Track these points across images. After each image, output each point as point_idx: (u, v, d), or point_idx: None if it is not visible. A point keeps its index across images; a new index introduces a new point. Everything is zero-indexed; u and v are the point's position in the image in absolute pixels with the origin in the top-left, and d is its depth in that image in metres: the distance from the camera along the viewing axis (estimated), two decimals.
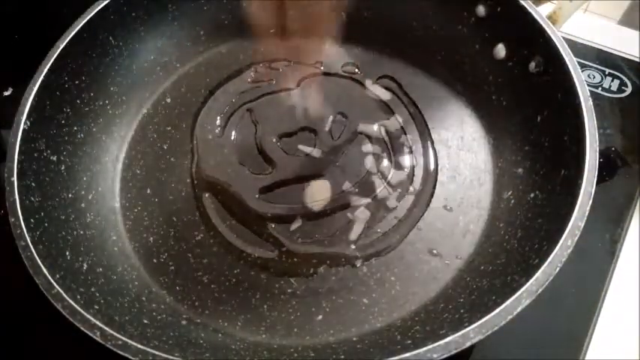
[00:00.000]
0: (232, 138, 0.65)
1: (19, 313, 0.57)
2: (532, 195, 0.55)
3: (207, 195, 0.61)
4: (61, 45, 0.57)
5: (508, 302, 0.41)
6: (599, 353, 0.54)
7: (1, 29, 0.78)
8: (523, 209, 0.55)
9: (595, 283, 0.57)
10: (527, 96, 0.59)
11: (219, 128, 0.66)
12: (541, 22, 0.56)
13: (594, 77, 0.70)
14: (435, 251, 0.56)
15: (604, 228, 0.60)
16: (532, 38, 0.57)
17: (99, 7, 0.61)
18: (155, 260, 0.57)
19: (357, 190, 0.60)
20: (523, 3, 0.58)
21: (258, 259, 0.57)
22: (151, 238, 0.58)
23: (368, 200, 0.60)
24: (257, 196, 0.60)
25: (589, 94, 0.51)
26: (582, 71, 0.67)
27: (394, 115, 0.66)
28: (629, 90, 0.69)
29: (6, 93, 0.70)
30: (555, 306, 0.54)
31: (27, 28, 0.78)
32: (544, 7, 0.60)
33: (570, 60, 0.54)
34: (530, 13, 0.57)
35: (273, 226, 0.58)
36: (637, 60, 0.71)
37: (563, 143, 0.52)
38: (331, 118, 0.65)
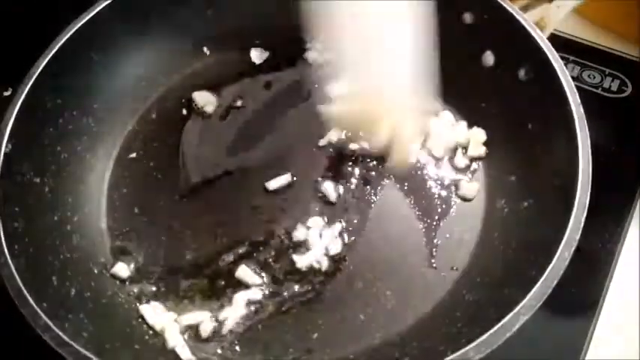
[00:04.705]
0: (222, 153, 0.64)
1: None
2: (525, 204, 0.54)
3: (196, 212, 0.60)
4: (41, 64, 0.56)
5: (507, 319, 0.41)
6: (599, 353, 0.53)
7: (2, 29, 0.78)
8: (517, 219, 0.54)
9: (595, 283, 0.57)
10: (518, 103, 0.58)
11: (206, 144, 0.65)
12: (529, 29, 0.56)
13: (594, 77, 0.69)
14: (430, 263, 0.55)
15: (604, 228, 0.59)
16: (520, 45, 0.57)
17: (80, 24, 0.59)
18: (145, 282, 0.55)
19: (350, 198, 0.60)
20: (510, 10, 0.57)
21: None
22: (140, 259, 0.57)
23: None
24: (250, 209, 0.59)
25: (579, 101, 0.51)
26: (582, 71, 0.67)
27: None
28: (629, 90, 0.69)
29: (6, 93, 0.69)
30: (555, 306, 0.53)
31: (27, 27, 0.78)
32: (531, 13, 0.60)
33: (560, 67, 0.53)
34: (517, 20, 0.57)
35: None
36: (637, 60, 0.71)
37: (556, 152, 0.52)
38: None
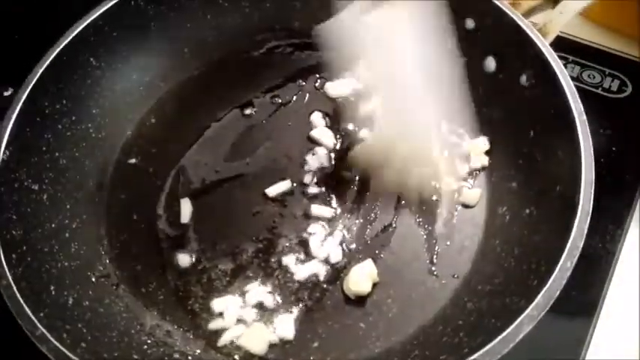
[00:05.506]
0: (222, 159, 0.64)
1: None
2: (527, 211, 0.54)
3: (196, 218, 0.59)
4: (39, 70, 0.56)
5: (510, 329, 0.40)
6: (599, 353, 0.53)
7: (2, 29, 0.78)
8: (519, 225, 0.54)
9: (595, 283, 0.56)
10: (519, 109, 0.58)
11: (206, 149, 0.64)
12: (531, 35, 0.55)
13: (594, 77, 0.69)
14: (431, 270, 0.55)
15: (604, 228, 0.59)
16: (522, 51, 0.56)
17: (79, 29, 0.59)
18: (144, 290, 0.55)
19: (349, 206, 0.59)
20: (512, 16, 0.57)
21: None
22: (139, 267, 0.56)
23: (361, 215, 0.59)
24: (250, 216, 0.59)
25: (582, 108, 0.50)
26: (582, 71, 0.67)
27: None
28: (629, 90, 0.68)
29: (6, 93, 0.69)
30: (556, 306, 0.53)
31: (27, 27, 0.78)
32: (534, 18, 0.59)
33: (562, 72, 0.53)
34: (519, 26, 0.56)
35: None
36: (637, 60, 0.71)
37: (557, 159, 0.52)
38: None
